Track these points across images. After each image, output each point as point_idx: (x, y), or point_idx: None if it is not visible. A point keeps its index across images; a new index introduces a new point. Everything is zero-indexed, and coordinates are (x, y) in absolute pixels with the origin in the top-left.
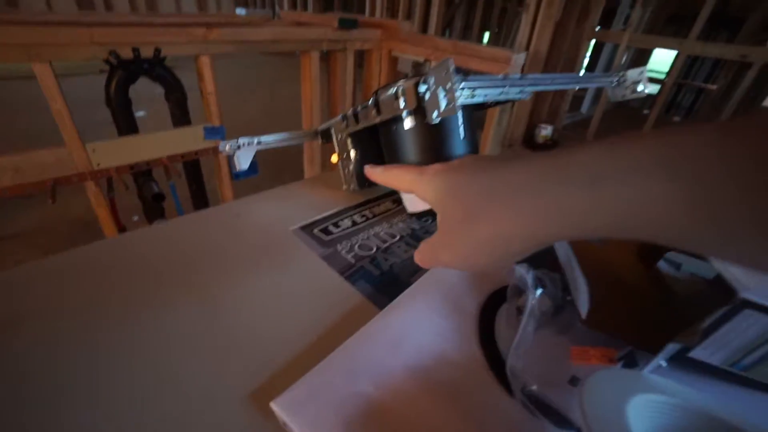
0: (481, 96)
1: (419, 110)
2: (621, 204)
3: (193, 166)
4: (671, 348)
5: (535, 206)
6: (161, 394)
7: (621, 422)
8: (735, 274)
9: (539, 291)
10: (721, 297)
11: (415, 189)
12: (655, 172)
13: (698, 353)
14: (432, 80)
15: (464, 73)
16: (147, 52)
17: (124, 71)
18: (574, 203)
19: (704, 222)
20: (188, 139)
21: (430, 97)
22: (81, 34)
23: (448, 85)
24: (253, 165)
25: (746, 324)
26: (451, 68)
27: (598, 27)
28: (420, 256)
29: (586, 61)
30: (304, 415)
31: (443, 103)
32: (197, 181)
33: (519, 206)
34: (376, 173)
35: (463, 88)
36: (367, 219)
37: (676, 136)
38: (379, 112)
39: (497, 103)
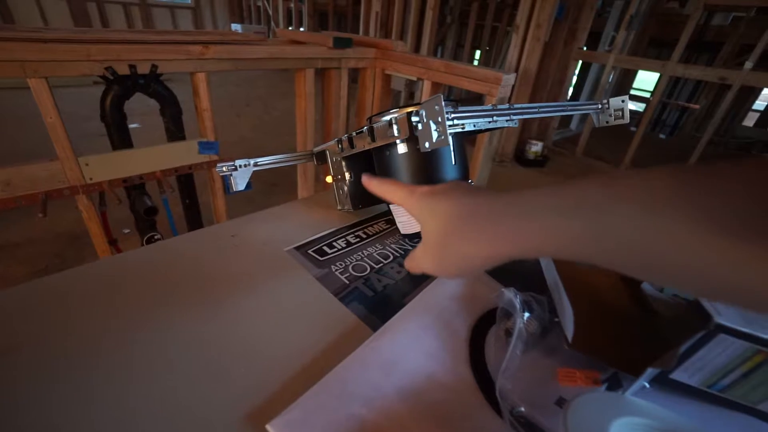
0: (470, 125)
1: (412, 138)
2: (541, 233)
3: (186, 181)
4: (651, 371)
5: (492, 233)
6: (158, 416)
7: None
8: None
9: (527, 314)
10: (701, 319)
11: (404, 205)
12: (558, 212)
13: (679, 375)
14: (424, 113)
15: (455, 102)
16: (144, 69)
17: (120, 87)
18: (516, 231)
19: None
20: (182, 154)
21: (422, 129)
22: (78, 51)
23: (439, 119)
24: (248, 181)
25: (721, 348)
26: (442, 104)
27: (585, 48)
28: (408, 262)
29: (574, 80)
30: None
31: (435, 135)
32: (190, 195)
33: (480, 232)
34: (372, 184)
35: (453, 120)
36: (361, 240)
37: (575, 189)
38: (373, 139)
39: (487, 129)
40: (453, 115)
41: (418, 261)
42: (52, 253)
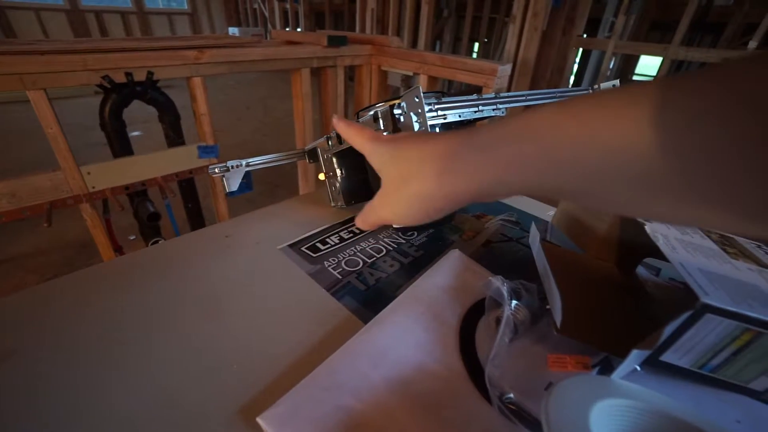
0: (454, 116)
1: (397, 131)
2: (498, 163)
3: (188, 185)
4: (637, 354)
5: (451, 170)
6: (152, 411)
7: (583, 427)
8: (698, 280)
9: (514, 303)
10: (688, 299)
11: (365, 152)
12: (511, 139)
13: (669, 357)
14: (404, 105)
15: (440, 94)
16: (140, 76)
17: (118, 95)
18: (474, 165)
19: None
20: (182, 159)
21: (404, 120)
22: (75, 62)
23: (419, 110)
24: (248, 182)
25: (709, 328)
26: (421, 95)
27: (584, 35)
28: (362, 217)
29: (575, 68)
30: (288, 429)
31: (416, 126)
32: (192, 199)
33: (439, 171)
34: (339, 125)
35: (435, 112)
36: (354, 235)
37: (530, 115)
38: None
39: (474, 119)
40: (436, 106)
41: (375, 210)
42: (61, 262)
